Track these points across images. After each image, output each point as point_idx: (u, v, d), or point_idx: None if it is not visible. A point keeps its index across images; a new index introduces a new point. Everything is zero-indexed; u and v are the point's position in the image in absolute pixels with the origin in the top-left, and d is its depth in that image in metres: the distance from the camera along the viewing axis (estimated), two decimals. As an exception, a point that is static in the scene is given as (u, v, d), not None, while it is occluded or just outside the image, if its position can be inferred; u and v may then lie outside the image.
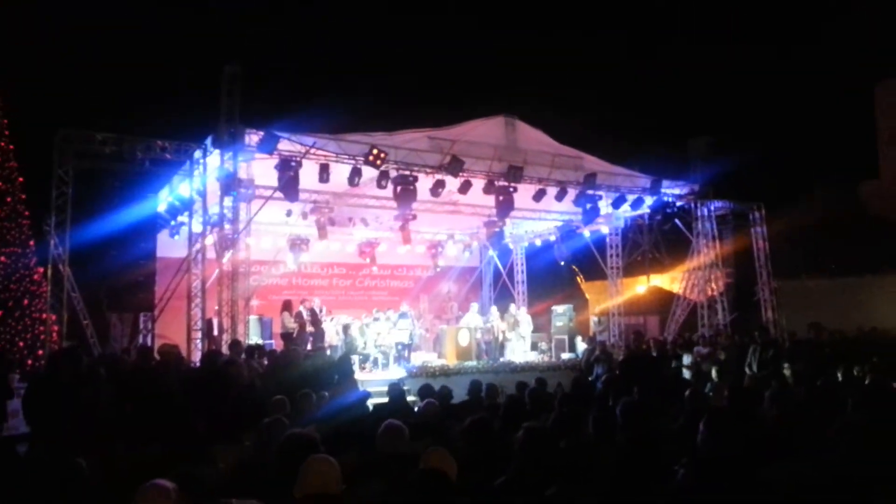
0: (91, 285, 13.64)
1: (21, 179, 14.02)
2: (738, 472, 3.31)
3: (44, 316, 13.03)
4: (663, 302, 21.71)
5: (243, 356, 9.86)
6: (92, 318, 13.27)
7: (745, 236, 19.55)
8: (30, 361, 12.76)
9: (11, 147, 13.95)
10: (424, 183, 13.54)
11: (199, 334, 12.90)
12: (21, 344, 13.16)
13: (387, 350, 15.66)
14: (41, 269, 13.56)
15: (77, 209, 12.63)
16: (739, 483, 3.24)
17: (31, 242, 13.87)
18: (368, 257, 19.28)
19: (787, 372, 9.96)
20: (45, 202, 12.53)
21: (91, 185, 13.20)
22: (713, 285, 18.33)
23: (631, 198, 16.25)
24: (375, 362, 15.30)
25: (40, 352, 12.78)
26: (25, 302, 13.43)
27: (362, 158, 12.47)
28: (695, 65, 31.53)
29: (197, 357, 12.17)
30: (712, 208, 18.17)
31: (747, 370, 10.18)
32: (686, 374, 12.32)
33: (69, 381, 7.29)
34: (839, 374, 8.60)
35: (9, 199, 13.64)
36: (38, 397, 7.29)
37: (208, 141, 12.62)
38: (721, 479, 3.25)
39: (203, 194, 12.94)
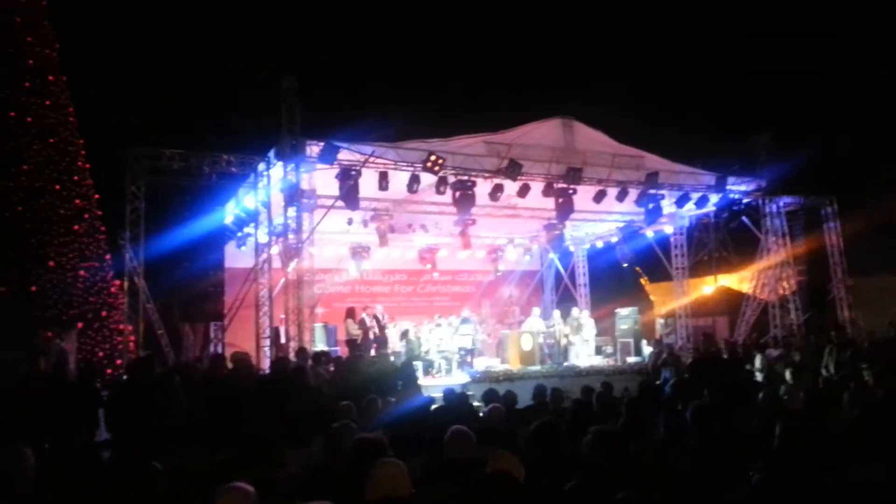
0: (164, 296, 14.19)
1: (97, 196, 14.70)
2: (816, 477, 3.19)
3: (121, 327, 13.58)
4: (732, 302, 21.08)
5: (310, 363, 10.04)
6: (166, 327, 13.76)
7: (818, 232, 18.82)
8: (109, 370, 13.32)
9: (87, 166, 14.64)
10: (483, 188, 13.54)
11: (268, 342, 13.22)
12: (101, 354, 13.77)
13: (449, 356, 15.69)
14: (118, 282, 14.16)
15: (149, 223, 13.16)
16: (817, 488, 3.12)
17: (108, 256, 14.50)
18: (429, 263, 19.41)
19: (866, 373, 9.53)
20: (119, 217, 13.09)
21: (161, 200, 13.75)
22: (785, 284, 17.71)
23: (695, 196, 15.87)
24: (439, 368, 15.35)
25: (119, 361, 13.33)
26: (104, 314, 14.05)
27: (420, 165, 12.56)
28: (757, 56, 30.58)
29: (266, 364, 12.48)
30: (781, 204, 17.58)
31: (824, 372, 9.81)
32: (758, 376, 11.93)
33: (146, 389, 7.59)
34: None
35: (86, 216, 14.31)
36: (118, 404, 7.61)
37: (271, 153, 12.95)
38: (798, 484, 3.13)
39: (268, 205, 13.28)
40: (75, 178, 14.28)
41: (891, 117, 24.62)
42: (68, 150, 14.32)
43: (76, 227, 14.05)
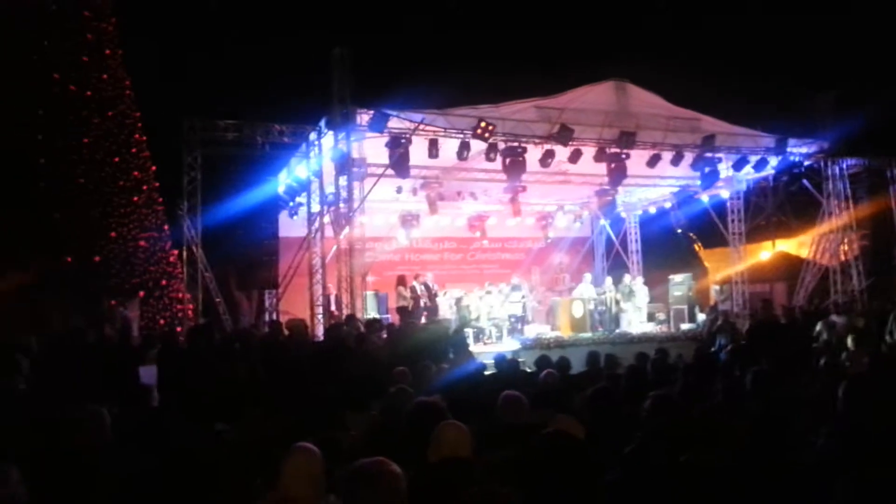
0: (220, 265, 14.51)
1: (154, 168, 15.06)
2: (883, 441, 3.11)
3: (180, 295, 13.99)
4: (791, 268, 20.54)
5: (362, 329, 10.21)
6: (223, 296, 14.13)
7: (883, 195, 18.11)
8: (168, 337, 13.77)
9: (144, 138, 14.99)
10: (533, 154, 13.41)
11: (321, 310, 13.48)
12: (161, 322, 14.21)
13: (500, 323, 15.75)
14: (175, 252, 14.55)
15: (205, 193, 13.46)
16: (885, 452, 3.05)
17: (166, 227, 14.90)
18: (479, 231, 19.38)
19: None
20: (177, 188, 13.41)
21: (216, 171, 14.02)
22: (846, 248, 17.15)
23: (753, 159, 15.41)
24: (490, 335, 15.43)
25: (179, 328, 13.76)
26: (164, 282, 14.47)
27: (470, 132, 12.49)
28: (817, 12, 29.25)
29: (319, 331, 12.73)
30: (844, 166, 16.93)
31: (888, 338, 9.52)
32: (820, 343, 11.65)
33: (206, 355, 7.84)
34: None
35: (144, 188, 14.68)
36: (179, 371, 7.88)
37: (322, 123, 13.05)
38: (865, 448, 3.07)
39: (319, 175, 13.43)
40: (133, 150, 14.63)
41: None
42: (126, 122, 14.64)
43: (135, 198, 14.43)
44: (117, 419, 5.78)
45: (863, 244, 18.35)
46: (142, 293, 14.16)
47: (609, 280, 17.65)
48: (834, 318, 11.62)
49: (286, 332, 9.16)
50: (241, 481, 3.43)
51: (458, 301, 15.89)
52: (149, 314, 14.26)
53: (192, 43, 23.92)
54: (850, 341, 9.59)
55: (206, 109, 14.56)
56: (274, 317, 15.17)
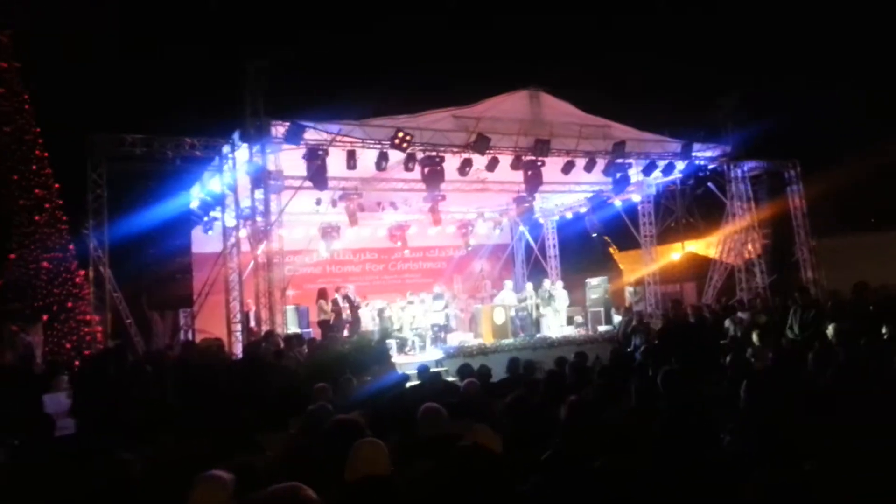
0: (131, 285, 13.95)
1: (57, 185, 14.35)
2: (785, 434, 3.27)
3: (88, 317, 13.36)
4: (699, 268, 21.42)
5: (281, 346, 10.01)
6: (134, 316, 13.57)
7: (782, 196, 19.13)
8: (77, 362, 13.12)
9: (46, 154, 14.26)
10: (451, 163, 13.50)
11: (239, 326, 13.13)
12: (68, 346, 13.53)
13: (423, 332, 15.74)
14: (82, 272, 13.89)
15: (112, 210, 12.91)
16: (786, 446, 3.21)
17: (71, 247, 14.21)
18: (399, 241, 19.38)
19: (830, 332, 9.78)
20: (82, 205, 12.81)
21: (124, 186, 13.48)
22: (750, 248, 18.02)
23: (662, 164, 16.01)
24: (413, 345, 15.40)
25: (87, 352, 13.13)
26: (69, 304, 13.79)
27: (388, 142, 12.47)
28: (717, 19, 30.73)
29: (238, 349, 12.40)
30: (746, 169, 17.80)
31: (789, 332, 10.02)
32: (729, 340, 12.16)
33: (117, 379, 7.51)
34: (884, 332, 8.43)
35: (47, 206, 13.97)
36: (87, 396, 7.52)
37: (236, 135, 12.74)
38: (769, 442, 3.21)
39: (234, 188, 13.10)
40: (33, 167, 13.90)
41: (849, 80, 25.03)
42: (24, 138, 13.90)
43: (37, 217, 13.71)
44: (18, 450, 5.47)
45: (765, 243, 19.31)
46: (45, 317, 13.45)
47: (529, 286, 17.94)
48: (740, 315, 12.16)
49: (200, 351, 8.86)
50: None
51: (381, 312, 15.80)
52: (54, 339, 13.56)
53: (98, 55, 22.97)
54: (755, 337, 10.07)
55: (113, 124, 14.01)
56: (189, 336, 14.69)
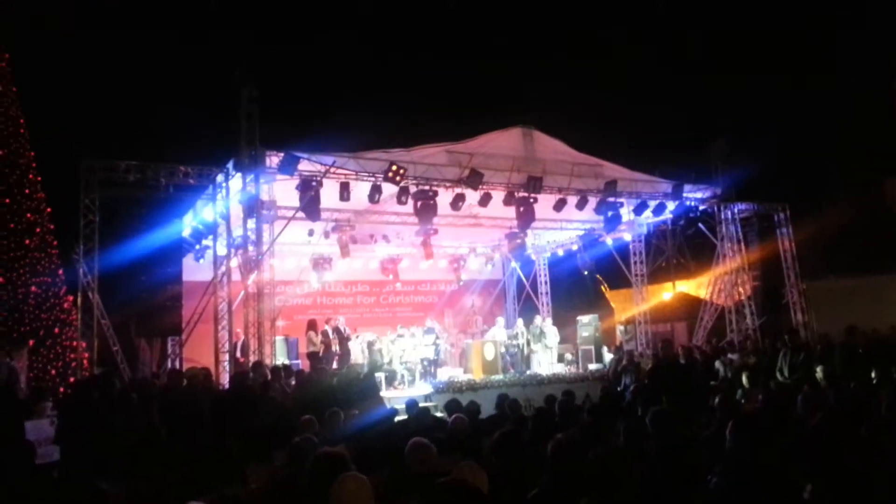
0: (119, 311, 13.83)
1: (49, 210, 14.32)
2: (772, 477, 3.26)
3: (74, 343, 13.23)
4: (690, 308, 21.47)
5: (269, 377, 9.92)
6: (121, 343, 13.44)
7: (771, 238, 19.29)
8: (62, 389, 12.95)
9: (39, 179, 14.26)
10: (444, 197, 13.59)
11: (227, 356, 13.02)
12: (53, 372, 13.37)
13: (412, 366, 15.64)
14: (70, 298, 13.79)
15: (104, 237, 12.86)
16: (773, 489, 3.19)
17: (60, 272, 14.12)
18: (391, 273, 19.36)
19: (819, 375, 9.79)
20: (73, 231, 12.77)
21: (117, 213, 13.44)
22: (740, 289, 18.10)
23: (653, 204, 16.15)
24: (402, 379, 15.28)
25: (72, 379, 12.97)
26: (56, 330, 13.66)
27: (382, 175, 12.55)
28: (711, 65, 31.34)
29: (225, 379, 12.28)
30: (736, 211, 17.98)
31: (778, 375, 10.02)
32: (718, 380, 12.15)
33: (102, 407, 7.41)
34: (873, 376, 8.45)
35: (38, 230, 13.92)
36: (71, 423, 7.41)
37: (230, 164, 12.80)
38: (754, 485, 3.20)
39: (227, 217, 13.11)
40: (26, 191, 13.88)
41: (840, 127, 25.45)
42: (19, 162, 13.91)
43: (27, 241, 13.65)
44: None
45: (755, 285, 19.44)
46: (31, 342, 13.30)
47: (520, 322, 17.91)
48: (730, 356, 12.18)
49: (186, 380, 8.77)
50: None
51: (370, 345, 15.72)
52: (39, 364, 13.39)
53: (94, 81, 23.14)
54: (744, 379, 10.07)
55: (107, 150, 14.02)
56: (177, 364, 14.52)
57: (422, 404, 9.39)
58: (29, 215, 13.83)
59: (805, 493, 3.03)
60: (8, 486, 4.64)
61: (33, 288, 13.52)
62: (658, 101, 29.99)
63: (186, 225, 14.96)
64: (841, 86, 26.83)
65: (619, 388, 11.25)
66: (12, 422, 7.93)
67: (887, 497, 2.88)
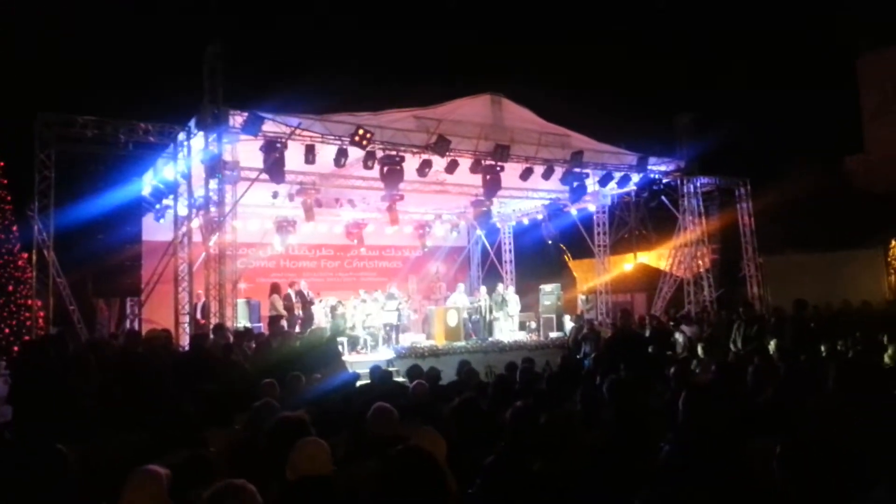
0: (76, 270, 13.51)
1: (2, 164, 13.87)
2: (722, 447, 3.35)
3: (29, 302, 12.95)
4: (650, 279, 21.84)
5: (231, 339, 9.85)
6: (78, 303, 13.19)
7: (731, 212, 19.64)
8: (16, 348, 12.69)
9: (-9, 131, 13.78)
10: (411, 163, 13.50)
11: (187, 318, 12.88)
12: (7, 330, 13.10)
13: (375, 332, 15.69)
14: (25, 255, 13.45)
15: (60, 193, 12.48)
16: (723, 459, 3.29)
17: (14, 228, 13.75)
18: (356, 238, 19.28)
19: (771, 348, 10.08)
20: (28, 187, 12.39)
21: (74, 169, 13.06)
22: (700, 262, 18.46)
23: (618, 175, 16.28)
24: (365, 344, 15.33)
25: (27, 338, 12.71)
26: (10, 288, 13.35)
27: (348, 139, 12.40)
28: (678, 40, 31.48)
29: (185, 341, 12.16)
30: (698, 185, 18.24)
31: (732, 346, 10.30)
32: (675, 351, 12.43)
33: (57, 367, 7.29)
34: (823, 350, 8.74)
35: (-9, 185, 13.50)
36: (25, 383, 7.28)
37: (192, 123, 12.51)
38: (704, 455, 3.29)
39: (188, 177, 12.85)
40: (-23, 143, 13.46)
41: (801, 103, 25.87)
42: (-31, 114, 13.46)
43: (-22, 196, 13.27)
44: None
45: (713, 258, 19.80)
46: (-16, 299, 12.99)
47: (483, 289, 18.05)
48: (685, 327, 12.46)
49: (146, 342, 8.67)
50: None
51: (333, 309, 15.69)
52: (-8, 322, 13.10)
53: (51, 32, 22.30)
54: (700, 350, 10.34)
55: (65, 104, 13.57)
56: (136, 325, 14.33)
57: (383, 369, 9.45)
58: (-20, 170, 13.40)
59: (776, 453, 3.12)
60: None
61: (-15, 244, 13.16)
62: (626, 75, 30.09)
63: (146, 184, 14.64)
64: (803, 62, 27.23)
65: (578, 356, 11.46)
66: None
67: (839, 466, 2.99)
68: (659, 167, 17.35)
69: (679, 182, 17.95)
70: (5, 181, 13.86)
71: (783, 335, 9.94)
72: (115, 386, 6.80)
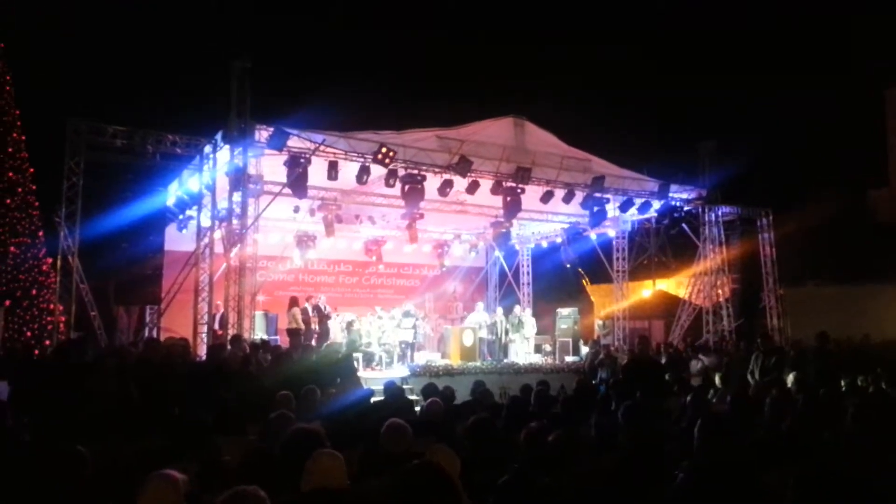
0: (99, 277, 13.73)
1: (31, 170, 14.14)
2: (736, 477, 3.32)
3: (52, 307, 13.12)
4: (669, 306, 21.68)
5: (248, 351, 9.92)
6: (99, 309, 13.35)
7: (753, 242, 19.49)
8: (37, 351, 12.85)
9: (23, 138, 14.06)
10: (432, 182, 13.57)
11: (205, 328, 12.98)
12: (28, 334, 13.26)
13: (391, 349, 15.68)
14: (49, 260, 13.66)
15: (87, 201, 12.72)
16: (737, 488, 3.26)
17: (41, 233, 13.98)
18: (375, 255, 19.35)
19: (790, 380, 9.96)
20: (56, 193, 12.62)
21: (101, 177, 13.31)
22: (719, 291, 18.30)
23: (639, 201, 16.24)
24: (380, 360, 15.32)
25: (47, 342, 12.88)
26: (34, 292, 13.54)
27: (371, 156, 12.51)
28: (704, 68, 31.49)
29: (203, 350, 12.25)
30: (720, 213, 18.14)
31: (749, 378, 10.18)
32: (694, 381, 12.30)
33: (76, 371, 7.39)
34: (843, 384, 8.62)
35: (20, 190, 13.75)
36: (44, 386, 7.38)
37: (218, 136, 12.70)
38: (718, 483, 3.27)
39: (212, 189, 13.03)
40: (9, 149, 13.69)
41: (827, 134, 25.72)
42: (3, 119, 13.69)
43: (8, 200, 13.48)
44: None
45: (734, 287, 19.65)
46: (8, 302, 13.18)
47: (500, 310, 18.00)
48: (703, 357, 12.34)
49: (164, 350, 8.75)
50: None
51: (349, 325, 15.72)
52: (15, 325, 13.28)
53: (85, 43, 22.81)
54: (717, 379, 10.23)
55: (96, 113, 13.85)
56: (154, 334, 14.47)
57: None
58: (11, 174, 13.66)
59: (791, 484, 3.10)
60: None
61: (12, 248, 13.38)
62: (650, 101, 30.14)
63: (171, 194, 14.86)
64: (830, 93, 27.08)
65: (594, 381, 11.37)
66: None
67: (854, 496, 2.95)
68: (680, 194, 17.29)
69: (700, 210, 17.86)
70: (34, 187, 14.11)
71: (804, 368, 9.81)
72: (133, 392, 6.87)
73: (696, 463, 3.40)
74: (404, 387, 11.65)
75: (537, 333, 18.11)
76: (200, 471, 3.31)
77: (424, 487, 2.13)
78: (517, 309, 18.12)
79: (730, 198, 18.45)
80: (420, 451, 3.74)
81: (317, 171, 12.54)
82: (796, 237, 20.30)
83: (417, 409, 7.24)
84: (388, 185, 13.24)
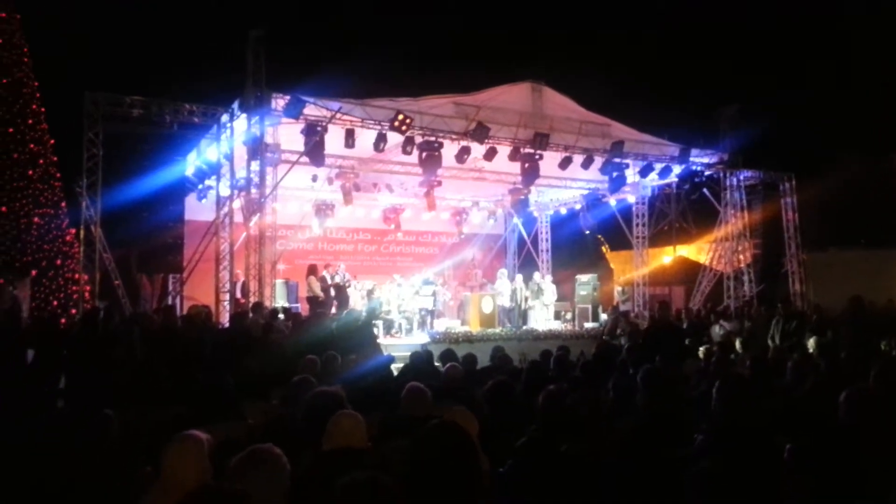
0: (121, 247, 13.88)
1: (52, 142, 14.26)
2: (755, 440, 3.33)
3: (76, 276, 13.34)
4: (689, 272, 21.55)
5: (269, 318, 10.03)
6: (123, 278, 13.55)
7: (775, 207, 19.25)
8: (63, 320, 13.11)
9: (42, 110, 14.17)
10: (450, 149, 13.50)
11: (227, 296, 13.14)
12: (55, 303, 13.52)
13: (410, 316, 15.79)
14: (73, 231, 13.85)
15: (107, 171, 12.82)
16: (756, 451, 3.27)
17: (63, 204, 14.15)
18: (393, 223, 19.40)
19: (811, 345, 9.89)
20: (76, 164, 12.74)
21: (121, 148, 13.39)
22: (740, 256, 18.15)
23: (659, 166, 16.06)
24: (399, 328, 15.44)
25: (73, 311, 13.12)
26: (58, 262, 13.77)
27: (388, 124, 12.44)
28: (725, 30, 30.80)
29: (225, 318, 12.42)
30: (741, 178, 17.90)
31: (770, 342, 10.12)
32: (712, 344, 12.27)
33: (103, 339, 7.53)
34: (883, 346, 8.56)
35: (41, 161, 13.91)
36: (73, 354, 7.54)
37: (235, 105, 12.70)
38: (738, 446, 3.27)
39: (230, 158, 13.07)
40: (30, 121, 13.81)
41: (849, 98, 25.16)
42: (22, 91, 13.80)
43: (30, 172, 13.65)
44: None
45: (755, 252, 19.47)
46: (34, 272, 13.41)
47: (519, 277, 17.99)
48: (724, 323, 12.28)
49: (188, 317, 8.89)
50: (129, 467, 3.34)
51: (370, 292, 15.83)
52: (41, 294, 13.53)
53: (101, 13, 22.79)
54: (738, 344, 10.18)
55: (113, 84, 13.91)
56: (177, 302, 14.67)
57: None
58: (32, 146, 13.80)
59: (785, 454, 3.11)
60: (17, 412, 4.75)
61: (36, 219, 13.59)
62: (669, 65, 29.59)
63: (190, 164, 14.91)
64: (852, 56, 26.42)
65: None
66: (14, 349, 8.06)
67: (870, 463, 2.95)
68: (701, 159, 17.05)
69: (722, 175, 17.63)
70: (55, 158, 14.25)
71: (825, 332, 9.73)
72: (158, 358, 7.00)
73: (716, 426, 3.41)
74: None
75: (557, 300, 18.11)
76: (222, 435, 3.37)
77: (443, 446, 2.15)
78: (536, 276, 18.10)
79: (751, 162, 18.18)
80: (439, 414, 3.77)
81: (334, 140, 12.52)
82: (818, 202, 20.00)
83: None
84: (405, 152, 13.19)
